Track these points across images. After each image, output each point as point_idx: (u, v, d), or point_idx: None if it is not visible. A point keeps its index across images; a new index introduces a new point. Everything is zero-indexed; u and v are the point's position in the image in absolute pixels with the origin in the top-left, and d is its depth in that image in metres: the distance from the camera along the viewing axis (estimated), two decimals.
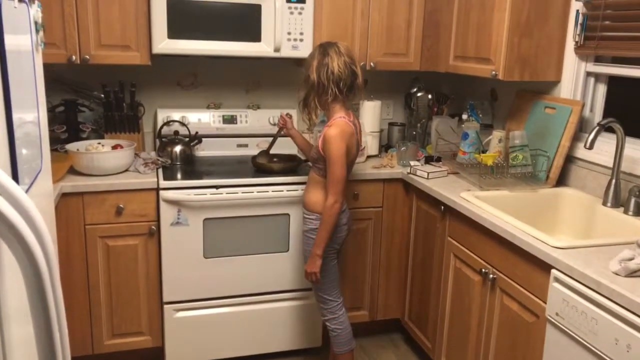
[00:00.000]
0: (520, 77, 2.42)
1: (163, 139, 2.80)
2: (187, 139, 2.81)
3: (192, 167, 2.73)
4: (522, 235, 1.85)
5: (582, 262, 1.62)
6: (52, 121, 2.68)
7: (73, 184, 2.35)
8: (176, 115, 2.90)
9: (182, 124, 2.86)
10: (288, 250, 2.63)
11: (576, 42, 2.38)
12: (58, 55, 2.46)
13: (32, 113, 1.29)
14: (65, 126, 2.72)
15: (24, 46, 1.23)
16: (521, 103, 2.68)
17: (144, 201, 2.45)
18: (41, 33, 1.44)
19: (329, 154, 2.11)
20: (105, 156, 2.47)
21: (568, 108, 2.38)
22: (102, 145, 2.59)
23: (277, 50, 2.66)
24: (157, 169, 2.60)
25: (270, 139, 2.69)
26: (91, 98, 2.84)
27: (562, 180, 2.42)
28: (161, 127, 2.84)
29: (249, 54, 2.66)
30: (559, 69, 2.46)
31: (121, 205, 2.41)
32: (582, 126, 2.44)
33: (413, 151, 2.87)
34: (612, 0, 2.21)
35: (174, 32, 2.52)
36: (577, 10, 2.35)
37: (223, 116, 2.99)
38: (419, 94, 3.16)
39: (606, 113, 2.38)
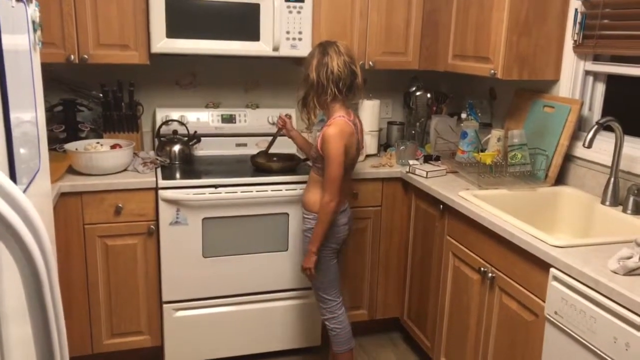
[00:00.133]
0: (519, 76, 2.42)
1: (162, 139, 2.80)
2: (186, 138, 2.81)
3: (191, 167, 2.72)
4: (521, 234, 1.85)
5: (581, 261, 1.62)
6: (50, 121, 2.68)
7: (72, 183, 2.35)
8: (175, 114, 2.90)
9: (181, 123, 2.86)
10: (287, 249, 2.63)
11: (575, 41, 2.38)
12: (56, 55, 2.46)
13: (30, 112, 1.29)
14: (64, 126, 2.71)
15: (22, 45, 1.23)
16: (520, 102, 2.68)
17: (142, 201, 2.45)
18: (39, 32, 1.44)
19: (327, 153, 2.10)
20: (104, 156, 2.46)
21: (567, 107, 2.38)
22: (101, 145, 2.58)
23: (275, 49, 2.66)
24: (155, 168, 2.59)
25: (269, 137, 2.69)
26: (90, 97, 2.84)
27: (560, 179, 2.42)
28: (160, 127, 2.84)
29: (248, 53, 2.66)
30: (558, 68, 2.46)
31: (120, 205, 2.41)
32: (581, 125, 2.44)
33: (412, 150, 2.87)
34: None
35: (173, 31, 2.52)
36: (576, 9, 2.35)
37: (222, 115, 2.99)
38: (417, 93, 3.16)
39: (605, 112, 2.38)
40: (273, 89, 3.13)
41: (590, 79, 2.41)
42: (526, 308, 1.86)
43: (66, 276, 2.40)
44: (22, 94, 1.20)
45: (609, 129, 2.09)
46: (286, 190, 2.56)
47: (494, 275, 2.03)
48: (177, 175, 2.56)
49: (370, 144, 2.98)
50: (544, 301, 1.74)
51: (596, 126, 2.01)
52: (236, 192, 2.51)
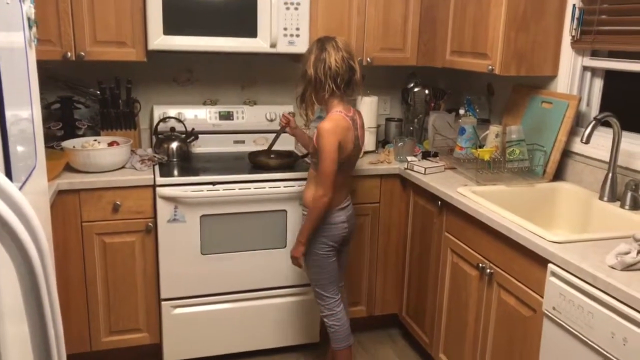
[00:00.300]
0: (517, 72, 2.41)
1: (159, 136, 2.79)
2: (184, 135, 2.80)
3: (188, 164, 2.72)
4: (519, 229, 1.85)
5: (579, 256, 1.62)
6: (47, 118, 2.68)
7: (69, 181, 2.34)
8: (172, 111, 2.89)
9: (179, 120, 2.85)
10: (285, 246, 2.63)
11: (573, 37, 2.38)
12: (53, 52, 2.45)
13: (26, 110, 1.29)
14: (61, 123, 2.70)
15: (17, 43, 1.22)
16: (518, 98, 2.68)
17: (140, 198, 2.44)
18: (34, 29, 1.43)
19: (320, 148, 2.10)
20: (102, 153, 2.46)
21: (565, 102, 2.38)
22: (98, 142, 2.58)
23: (273, 45, 2.65)
24: (153, 165, 2.59)
25: (267, 134, 2.68)
26: (87, 95, 2.83)
27: (558, 175, 2.42)
28: (157, 124, 2.83)
29: (245, 49, 2.65)
30: (556, 64, 2.46)
31: (118, 202, 2.41)
32: (579, 120, 2.44)
33: (410, 147, 2.87)
34: None
35: (170, 28, 2.51)
36: (574, 5, 2.35)
37: (219, 112, 2.98)
38: (415, 89, 3.16)
39: (603, 107, 2.38)
40: (271, 85, 3.12)
41: (588, 74, 2.41)
42: (524, 304, 1.86)
43: (64, 274, 2.40)
44: (17, 91, 1.20)
45: (606, 124, 2.10)
46: (284, 187, 2.56)
47: (492, 271, 2.03)
48: (175, 172, 2.56)
49: (368, 140, 2.97)
50: (542, 297, 1.75)
51: (594, 122, 2.01)
52: (234, 189, 2.50)
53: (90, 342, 2.53)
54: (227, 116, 2.99)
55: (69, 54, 2.47)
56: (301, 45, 2.64)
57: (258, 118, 3.02)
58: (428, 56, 2.92)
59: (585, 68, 2.41)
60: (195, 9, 2.53)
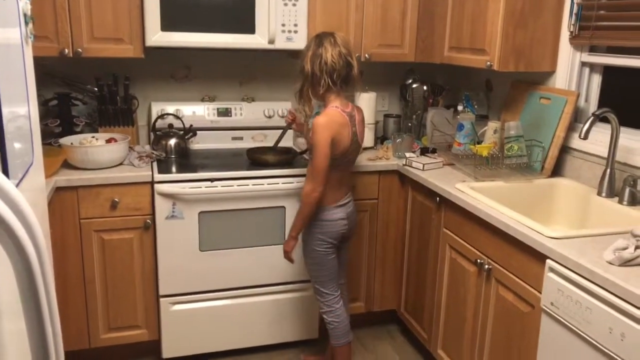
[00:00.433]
0: (515, 68, 2.41)
1: (157, 132, 2.79)
2: (182, 132, 2.80)
3: (186, 160, 2.72)
4: (517, 225, 1.85)
5: (577, 252, 1.62)
6: (45, 115, 2.67)
7: (67, 178, 2.34)
8: (170, 108, 2.89)
9: (177, 117, 2.84)
10: (284, 242, 2.63)
11: (571, 32, 2.37)
12: (50, 49, 2.44)
13: (22, 107, 1.28)
14: (59, 120, 2.70)
15: (13, 39, 1.22)
16: (516, 94, 2.68)
17: (138, 195, 2.44)
18: (30, 25, 1.42)
19: (313, 143, 2.10)
20: (100, 150, 2.45)
21: (563, 98, 2.38)
22: (96, 139, 2.57)
23: (271, 41, 2.64)
24: (151, 162, 2.59)
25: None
26: (85, 92, 2.82)
27: (557, 171, 2.42)
28: (155, 120, 2.82)
29: (243, 45, 2.65)
30: (554, 60, 2.46)
31: (116, 199, 2.41)
32: (577, 116, 2.44)
33: (408, 143, 2.86)
34: None
35: (168, 24, 2.50)
36: (572, 0, 2.34)
37: (217, 109, 2.98)
38: (414, 86, 3.16)
39: (601, 103, 2.38)
40: (269, 82, 3.12)
41: (587, 70, 2.41)
42: (522, 299, 1.86)
43: (62, 271, 2.40)
44: (14, 88, 1.19)
45: (605, 120, 2.09)
46: (282, 183, 2.56)
47: (490, 267, 2.03)
48: (173, 169, 2.55)
49: (366, 137, 2.96)
50: (540, 292, 1.75)
51: (592, 117, 2.01)
52: (232, 186, 2.50)
53: (89, 339, 2.53)
54: (225, 113, 2.98)
55: (66, 50, 2.46)
56: (299, 42, 2.64)
57: (256, 114, 3.02)
58: (426, 52, 2.91)
59: (583, 64, 2.41)
60: (193, 5, 2.52)
